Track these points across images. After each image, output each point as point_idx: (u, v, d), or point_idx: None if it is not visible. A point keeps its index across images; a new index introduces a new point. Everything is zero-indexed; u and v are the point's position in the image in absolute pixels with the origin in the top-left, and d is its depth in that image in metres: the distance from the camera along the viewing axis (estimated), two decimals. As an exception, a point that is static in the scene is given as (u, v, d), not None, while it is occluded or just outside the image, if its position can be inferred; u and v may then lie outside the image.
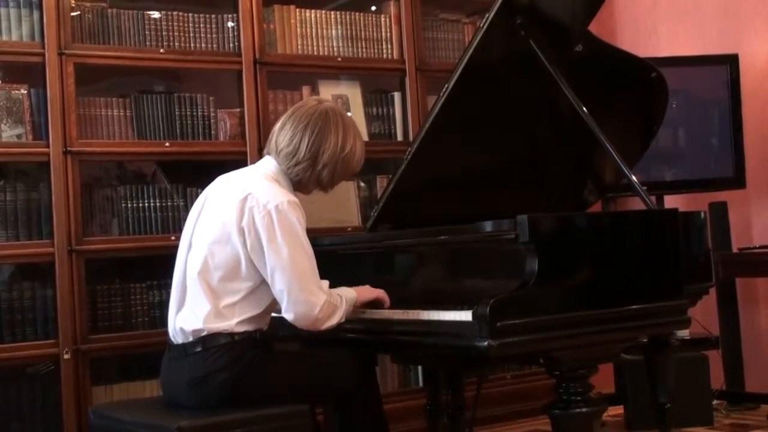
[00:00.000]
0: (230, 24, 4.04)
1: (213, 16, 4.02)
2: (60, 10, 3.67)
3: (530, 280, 2.55)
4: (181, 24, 3.95)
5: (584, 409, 2.66)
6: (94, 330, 3.71)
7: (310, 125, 2.89)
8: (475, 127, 3.20)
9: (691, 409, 4.11)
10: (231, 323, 2.74)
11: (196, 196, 3.67)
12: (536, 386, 4.44)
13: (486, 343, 2.46)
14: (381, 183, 4.29)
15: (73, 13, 3.74)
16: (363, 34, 4.34)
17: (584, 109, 3.11)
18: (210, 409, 2.68)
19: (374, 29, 4.37)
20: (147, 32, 3.88)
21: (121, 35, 3.84)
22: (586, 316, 2.63)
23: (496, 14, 2.98)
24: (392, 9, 4.41)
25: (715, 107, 4.52)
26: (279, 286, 2.74)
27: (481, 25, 3.02)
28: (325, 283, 2.82)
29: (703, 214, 3.21)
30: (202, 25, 3.99)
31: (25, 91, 3.68)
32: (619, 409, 4.40)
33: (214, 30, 4.01)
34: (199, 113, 3.98)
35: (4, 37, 3.65)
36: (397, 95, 4.43)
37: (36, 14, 3.68)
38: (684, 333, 4.18)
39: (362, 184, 4.33)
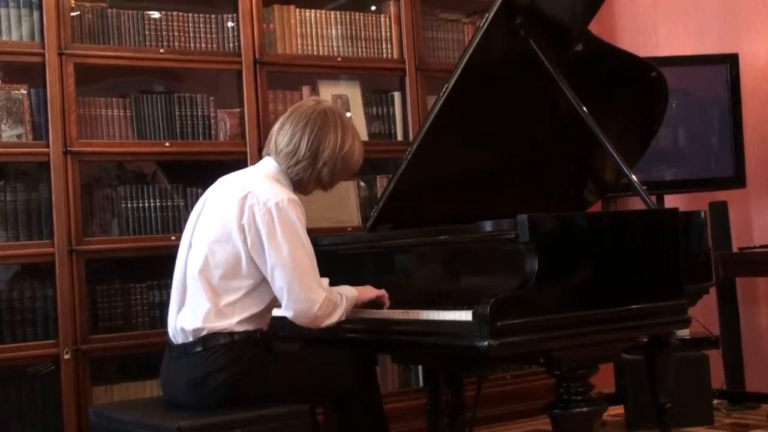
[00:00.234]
0: (230, 24, 4.04)
1: (213, 16, 4.02)
2: (60, 10, 3.67)
3: (530, 280, 2.55)
4: (181, 24, 3.95)
5: (584, 409, 2.66)
6: (95, 330, 3.71)
7: (309, 124, 2.90)
8: (475, 127, 3.20)
9: (691, 408, 4.11)
10: (231, 322, 2.75)
11: (196, 196, 3.69)
12: (536, 386, 4.43)
13: (486, 343, 2.46)
14: (381, 183, 4.29)
15: (73, 13, 3.74)
16: (363, 33, 4.34)
17: (584, 108, 3.11)
18: (210, 409, 2.68)
19: (374, 29, 4.37)
20: (147, 32, 3.88)
21: (121, 35, 3.84)
22: (586, 315, 2.63)
23: (496, 14, 2.98)
24: (392, 9, 4.41)
25: (715, 107, 4.52)
26: (279, 284, 2.74)
27: (481, 25, 3.02)
28: (325, 280, 2.82)
29: (703, 214, 3.21)
30: (202, 25, 3.99)
31: (25, 91, 3.68)
32: (619, 409, 4.40)
33: (214, 30, 4.01)
34: (199, 113, 3.98)
35: (4, 37, 3.65)
36: (397, 95, 4.42)
37: (36, 14, 3.68)
38: (684, 333, 4.19)
39: (362, 184, 4.33)
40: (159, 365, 2.93)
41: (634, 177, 3.09)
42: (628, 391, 4.26)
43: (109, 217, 3.83)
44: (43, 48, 3.66)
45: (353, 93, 4.37)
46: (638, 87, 3.43)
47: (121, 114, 3.85)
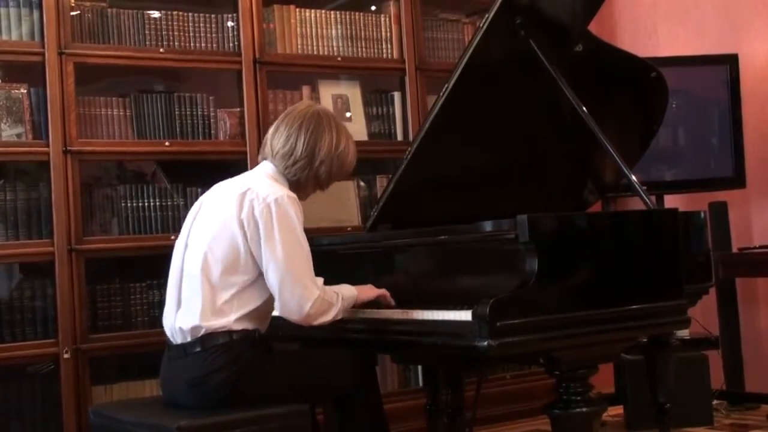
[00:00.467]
0: (230, 24, 4.04)
1: (213, 15, 4.02)
2: (60, 10, 3.67)
3: (530, 280, 2.55)
4: (181, 24, 3.95)
5: (584, 409, 2.66)
6: (94, 329, 3.71)
7: (304, 124, 2.93)
8: (475, 127, 3.20)
9: (691, 409, 4.11)
10: (229, 319, 2.75)
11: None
12: (536, 386, 4.43)
13: (486, 343, 2.46)
14: (381, 183, 4.29)
15: (72, 13, 3.74)
16: (363, 33, 4.34)
17: (584, 109, 3.11)
18: (210, 409, 2.68)
19: (374, 29, 4.37)
20: (147, 32, 3.88)
21: (121, 35, 3.84)
22: (586, 316, 2.63)
23: (496, 14, 2.98)
24: (392, 9, 4.41)
25: (715, 107, 4.52)
26: (272, 279, 2.76)
27: (481, 25, 3.02)
28: (320, 280, 2.82)
29: (703, 214, 3.21)
30: (201, 25, 3.99)
31: (25, 91, 3.68)
32: (619, 409, 4.40)
33: (213, 30, 4.01)
34: (199, 113, 3.98)
35: (4, 37, 3.65)
36: (397, 95, 4.42)
37: (36, 14, 3.68)
38: (684, 333, 4.19)
39: (362, 184, 4.33)
40: (159, 365, 2.93)
41: (633, 177, 3.09)
42: (627, 391, 4.26)
43: (108, 217, 3.83)
44: (43, 47, 3.66)
45: (353, 93, 4.37)
46: (638, 87, 3.43)
47: (121, 113, 3.85)
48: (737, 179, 4.48)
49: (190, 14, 3.97)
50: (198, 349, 2.75)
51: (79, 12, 3.76)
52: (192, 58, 3.97)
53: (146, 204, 3.85)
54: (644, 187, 3.09)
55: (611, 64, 3.35)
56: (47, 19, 3.65)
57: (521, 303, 2.52)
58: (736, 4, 4.77)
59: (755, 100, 4.65)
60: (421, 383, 4.21)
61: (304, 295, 2.75)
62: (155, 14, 3.91)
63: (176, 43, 3.94)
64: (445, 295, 2.88)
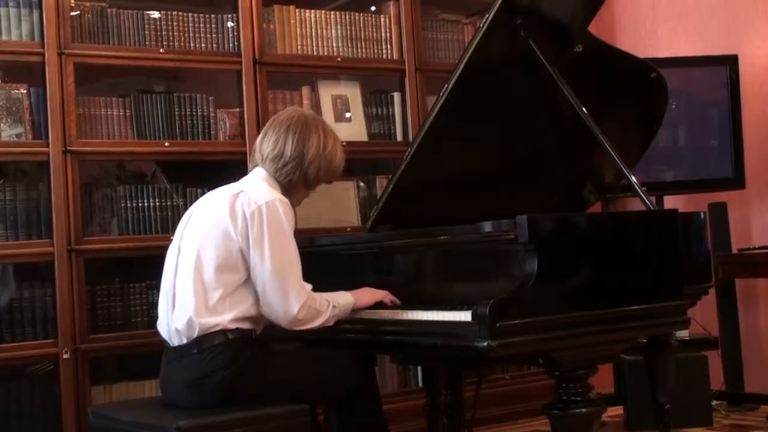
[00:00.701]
0: (230, 24, 4.04)
1: (213, 16, 4.02)
2: (60, 10, 3.67)
3: (530, 281, 2.55)
4: (180, 24, 3.95)
5: (584, 410, 2.66)
6: (94, 330, 3.71)
7: (291, 127, 2.97)
8: (474, 128, 3.20)
9: (690, 409, 4.11)
10: (224, 318, 2.75)
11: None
12: (536, 386, 4.43)
13: (486, 344, 2.46)
14: (381, 183, 4.29)
15: (72, 13, 3.74)
16: (363, 34, 4.34)
17: (584, 109, 3.11)
18: (209, 410, 2.68)
19: (374, 29, 4.37)
20: (147, 32, 3.88)
21: (121, 35, 3.83)
22: (585, 316, 2.63)
23: (496, 14, 2.98)
24: (392, 9, 4.41)
25: (715, 108, 4.52)
26: (259, 282, 2.77)
27: (481, 25, 3.02)
28: (308, 286, 2.83)
29: (702, 215, 3.21)
30: (201, 25, 3.99)
31: (25, 91, 3.68)
32: (619, 410, 4.40)
33: (213, 30, 4.01)
34: (199, 113, 3.98)
35: (4, 37, 3.65)
36: (396, 95, 4.42)
37: (36, 14, 3.67)
38: (683, 333, 4.19)
39: (362, 184, 4.33)
40: (158, 365, 2.93)
41: (633, 178, 3.09)
42: (627, 391, 4.27)
43: (108, 217, 3.83)
44: (43, 47, 3.66)
45: (353, 93, 4.37)
46: (638, 88, 3.42)
47: (121, 114, 3.85)
48: (737, 180, 4.48)
49: (189, 14, 3.97)
50: (195, 350, 2.75)
51: (79, 12, 3.76)
52: (192, 58, 3.97)
53: (146, 204, 3.85)
54: (644, 188, 3.09)
55: (611, 65, 3.35)
56: (47, 19, 3.65)
57: (521, 303, 2.52)
58: (736, 4, 4.77)
59: (755, 101, 4.65)
60: (420, 383, 4.20)
61: (289, 301, 2.77)
62: (155, 14, 3.91)
63: (176, 44, 3.93)
64: (444, 295, 2.88)
